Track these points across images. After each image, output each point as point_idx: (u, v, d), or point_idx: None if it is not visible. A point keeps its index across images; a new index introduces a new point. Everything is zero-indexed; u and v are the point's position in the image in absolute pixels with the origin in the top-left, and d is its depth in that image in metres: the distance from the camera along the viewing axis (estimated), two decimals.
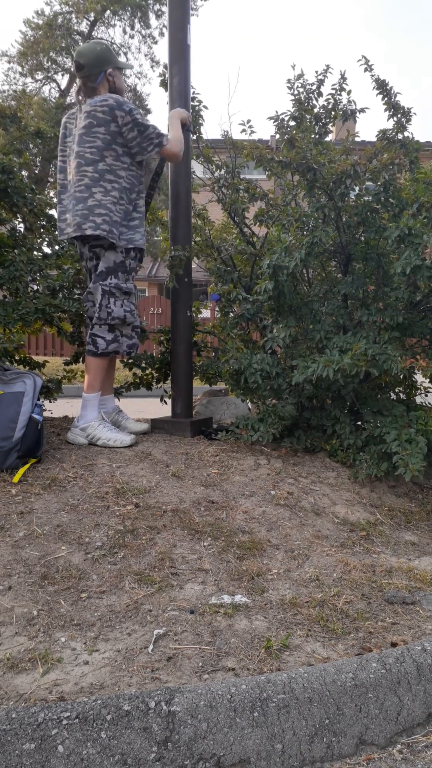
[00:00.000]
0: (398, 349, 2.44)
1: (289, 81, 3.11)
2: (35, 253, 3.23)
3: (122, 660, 1.32)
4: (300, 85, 3.11)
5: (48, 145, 3.56)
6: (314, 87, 3.11)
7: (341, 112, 3.11)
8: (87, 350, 2.75)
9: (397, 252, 2.50)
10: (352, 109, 3.11)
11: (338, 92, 3.08)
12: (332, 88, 3.08)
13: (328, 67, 3.08)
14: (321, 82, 3.10)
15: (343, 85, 3.06)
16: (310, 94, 3.11)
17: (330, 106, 3.11)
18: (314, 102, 3.13)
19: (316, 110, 3.13)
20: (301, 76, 3.10)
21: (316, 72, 3.10)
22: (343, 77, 3.06)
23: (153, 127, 2.63)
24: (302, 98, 3.11)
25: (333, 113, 3.11)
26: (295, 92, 3.11)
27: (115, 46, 17.44)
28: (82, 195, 2.61)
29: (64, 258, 3.20)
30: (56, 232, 3.28)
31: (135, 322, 2.79)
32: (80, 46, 2.76)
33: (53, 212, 3.24)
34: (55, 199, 3.38)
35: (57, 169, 2.84)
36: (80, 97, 2.69)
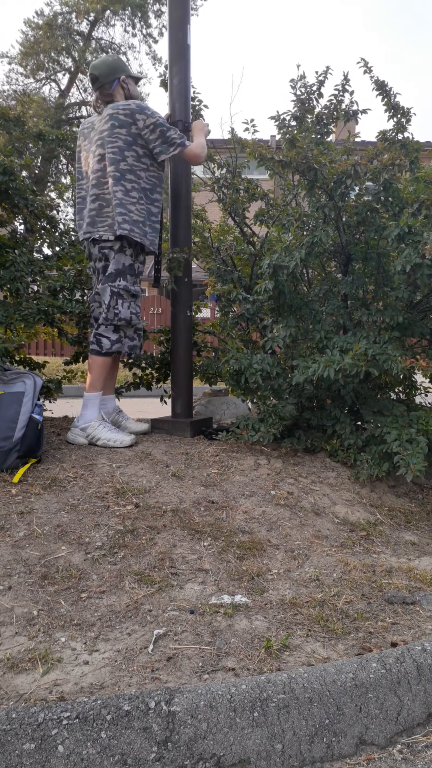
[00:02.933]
0: (398, 349, 2.44)
1: (292, 80, 3.10)
2: (36, 254, 3.23)
3: (122, 660, 1.32)
4: (302, 85, 3.11)
5: (48, 146, 3.57)
6: (314, 88, 3.10)
7: (343, 113, 3.11)
8: (91, 349, 2.77)
9: (397, 250, 2.50)
10: (354, 110, 3.11)
11: (341, 93, 3.08)
12: (335, 89, 3.07)
13: (327, 68, 3.08)
14: (321, 83, 3.10)
15: (346, 86, 3.06)
16: (311, 95, 3.11)
17: (333, 107, 3.11)
18: (314, 103, 3.13)
19: (317, 111, 3.12)
20: (303, 77, 3.10)
21: (316, 73, 3.10)
22: (345, 78, 3.05)
23: (175, 130, 2.70)
24: (304, 98, 3.11)
25: (335, 114, 3.11)
26: (298, 92, 3.11)
27: (115, 45, 17.44)
28: (105, 195, 2.67)
29: (65, 259, 3.21)
30: (57, 234, 3.30)
31: (139, 325, 2.82)
32: (94, 60, 2.87)
33: (54, 213, 3.25)
34: (56, 200, 3.39)
35: (75, 175, 2.89)
36: (99, 106, 2.80)
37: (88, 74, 2.88)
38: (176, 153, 2.70)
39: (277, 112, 3.04)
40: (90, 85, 2.87)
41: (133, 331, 2.81)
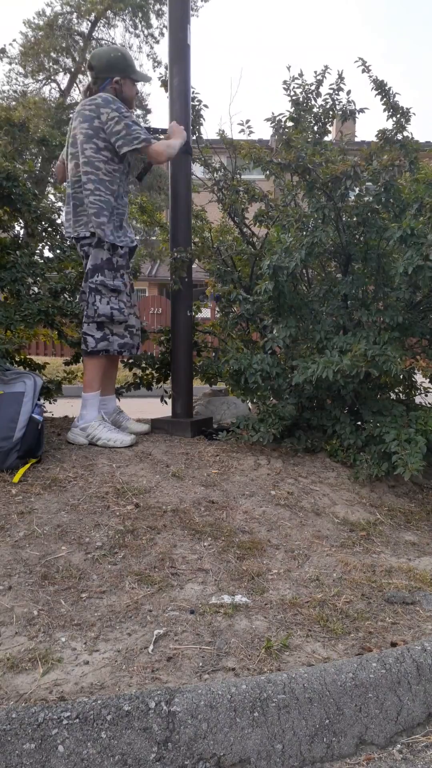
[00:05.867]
0: (398, 350, 2.44)
1: (285, 82, 3.10)
2: (36, 258, 3.23)
3: (122, 660, 1.32)
4: (298, 85, 3.10)
5: (50, 148, 3.58)
6: (313, 87, 3.10)
7: (340, 113, 3.11)
8: (81, 349, 2.75)
9: (399, 252, 2.50)
10: (351, 109, 3.10)
11: (336, 92, 3.08)
12: (330, 88, 3.07)
13: (326, 67, 3.08)
14: (320, 83, 3.10)
15: (341, 85, 3.06)
16: (309, 95, 3.11)
17: (328, 107, 3.11)
18: (313, 102, 3.12)
19: (314, 110, 3.12)
20: (301, 75, 3.09)
21: (315, 72, 3.10)
22: (340, 77, 3.05)
23: (143, 129, 2.64)
24: (300, 99, 3.10)
25: (331, 113, 3.11)
26: (292, 93, 3.10)
27: (115, 46, 17.40)
28: (78, 195, 2.66)
29: (66, 262, 3.21)
30: (58, 237, 3.30)
31: (128, 321, 2.76)
32: (99, 48, 2.78)
33: (54, 217, 3.25)
34: (57, 204, 3.39)
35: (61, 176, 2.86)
36: (84, 97, 2.74)
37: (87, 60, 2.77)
38: (139, 147, 2.60)
39: (273, 114, 3.03)
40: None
41: (123, 328, 2.76)
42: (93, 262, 2.67)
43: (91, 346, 2.70)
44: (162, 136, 2.94)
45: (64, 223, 2.78)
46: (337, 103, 3.09)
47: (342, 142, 2.86)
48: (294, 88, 3.10)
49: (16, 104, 14.39)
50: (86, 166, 2.60)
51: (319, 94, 3.11)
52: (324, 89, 3.10)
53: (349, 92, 3.06)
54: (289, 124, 3.06)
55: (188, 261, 3.01)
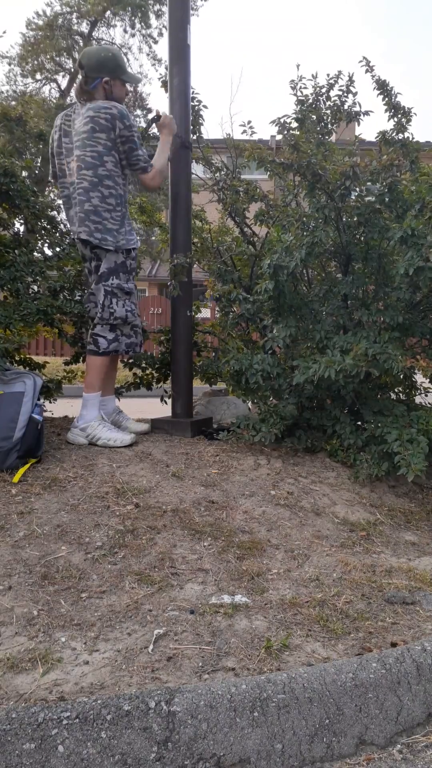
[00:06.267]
0: (398, 349, 2.44)
1: (292, 81, 3.09)
2: (36, 254, 3.22)
3: (122, 660, 1.32)
4: (305, 86, 3.08)
5: (48, 146, 3.57)
6: (324, 90, 3.09)
7: (346, 114, 3.10)
8: (88, 350, 2.76)
9: (400, 253, 2.49)
10: (357, 110, 3.09)
11: (345, 94, 3.06)
12: (339, 90, 3.06)
13: (339, 72, 3.06)
14: (331, 86, 3.08)
15: (351, 88, 3.05)
16: (320, 97, 3.10)
17: (335, 108, 3.10)
18: (321, 105, 3.11)
19: (322, 111, 3.11)
20: (314, 77, 3.07)
21: (328, 75, 3.09)
22: (350, 79, 3.04)
23: (143, 151, 2.71)
24: (311, 100, 3.09)
25: (338, 115, 3.10)
26: (299, 93, 3.09)
27: (115, 46, 17.42)
28: (80, 198, 2.64)
29: (65, 260, 3.20)
30: (58, 234, 3.30)
31: (135, 322, 2.81)
32: (90, 47, 2.78)
33: (54, 214, 3.25)
34: (57, 201, 3.37)
35: (53, 172, 2.83)
36: (80, 98, 2.72)
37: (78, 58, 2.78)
38: (135, 173, 2.74)
39: (280, 118, 3.01)
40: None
41: (130, 328, 2.80)
42: (108, 266, 2.69)
43: (103, 347, 2.72)
44: (152, 126, 3.00)
45: (71, 225, 2.78)
46: (344, 104, 3.08)
47: (352, 146, 2.86)
48: (301, 87, 3.08)
49: (16, 104, 14.40)
50: (108, 180, 2.64)
51: (329, 98, 3.10)
52: (333, 92, 3.09)
53: (356, 94, 3.05)
54: (294, 125, 3.05)
55: (188, 266, 3.02)
